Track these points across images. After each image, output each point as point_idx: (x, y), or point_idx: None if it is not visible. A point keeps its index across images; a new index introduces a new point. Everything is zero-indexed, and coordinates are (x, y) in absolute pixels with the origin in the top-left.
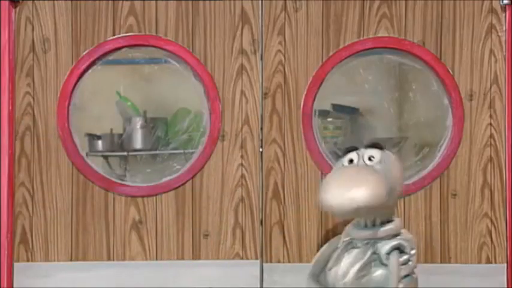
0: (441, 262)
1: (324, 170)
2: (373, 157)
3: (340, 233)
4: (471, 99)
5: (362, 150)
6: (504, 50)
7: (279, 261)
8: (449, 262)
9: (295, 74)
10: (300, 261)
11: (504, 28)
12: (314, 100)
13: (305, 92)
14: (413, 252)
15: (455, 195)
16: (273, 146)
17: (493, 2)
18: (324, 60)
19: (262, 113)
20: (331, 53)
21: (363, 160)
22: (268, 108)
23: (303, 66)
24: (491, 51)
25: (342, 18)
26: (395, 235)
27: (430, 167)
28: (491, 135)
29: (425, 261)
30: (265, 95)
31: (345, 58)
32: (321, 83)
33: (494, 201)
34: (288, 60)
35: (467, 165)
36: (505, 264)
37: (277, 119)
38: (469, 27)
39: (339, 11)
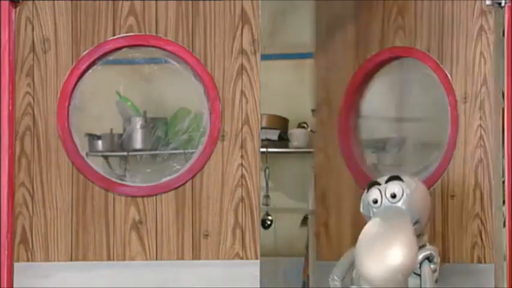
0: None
1: (357, 177)
2: (395, 195)
3: None
4: (465, 102)
5: (383, 186)
6: (492, 51)
7: (324, 259)
8: (448, 262)
9: (333, 87)
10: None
11: (501, 28)
12: (349, 111)
13: (341, 104)
14: (438, 261)
15: (453, 196)
16: (320, 154)
17: (482, 3)
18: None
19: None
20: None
21: (386, 198)
22: (316, 122)
23: (338, 79)
24: (481, 53)
25: (366, 33)
26: (422, 245)
27: (432, 169)
28: (481, 137)
29: None
30: (312, 112)
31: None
32: (354, 95)
33: (484, 202)
34: (327, 74)
35: (462, 167)
36: (493, 265)
37: (323, 130)
38: (463, 30)
39: (364, 27)
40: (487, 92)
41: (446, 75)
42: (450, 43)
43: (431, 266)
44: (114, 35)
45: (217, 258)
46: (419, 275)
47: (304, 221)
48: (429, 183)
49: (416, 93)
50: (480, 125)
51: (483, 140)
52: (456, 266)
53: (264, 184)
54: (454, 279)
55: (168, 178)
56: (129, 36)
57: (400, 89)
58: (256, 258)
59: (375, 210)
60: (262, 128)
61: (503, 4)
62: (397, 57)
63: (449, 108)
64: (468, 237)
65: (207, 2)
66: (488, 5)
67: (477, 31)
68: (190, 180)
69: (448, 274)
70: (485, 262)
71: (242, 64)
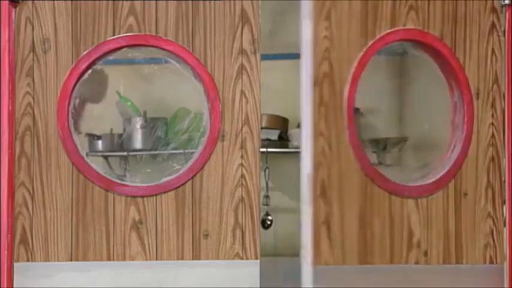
0: (456, 263)
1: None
2: None
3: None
4: (478, 98)
5: None
6: (504, 49)
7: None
8: (461, 262)
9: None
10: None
11: (503, 28)
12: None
13: (349, 84)
14: None
15: (466, 194)
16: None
17: (494, 1)
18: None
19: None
20: (369, 43)
21: None
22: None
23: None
24: (493, 50)
25: (377, 9)
26: None
27: (447, 167)
28: (493, 135)
29: (444, 262)
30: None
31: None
32: (360, 75)
33: (495, 201)
34: (333, 46)
35: (475, 165)
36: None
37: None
38: (476, 24)
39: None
40: (498, 90)
41: (461, 65)
42: (463, 34)
43: None
44: (114, 35)
45: (217, 258)
46: None
47: None
48: (444, 181)
49: (421, 91)
50: (492, 123)
51: (495, 139)
52: (469, 266)
53: (264, 184)
54: (469, 279)
55: (168, 178)
56: (129, 36)
57: (404, 86)
58: (256, 258)
59: None
60: (262, 128)
61: (503, 4)
62: (408, 40)
63: (464, 104)
64: (480, 237)
65: (207, 2)
66: (506, 4)
67: (489, 28)
68: (190, 180)
69: (462, 274)
70: (496, 262)
71: (242, 64)
